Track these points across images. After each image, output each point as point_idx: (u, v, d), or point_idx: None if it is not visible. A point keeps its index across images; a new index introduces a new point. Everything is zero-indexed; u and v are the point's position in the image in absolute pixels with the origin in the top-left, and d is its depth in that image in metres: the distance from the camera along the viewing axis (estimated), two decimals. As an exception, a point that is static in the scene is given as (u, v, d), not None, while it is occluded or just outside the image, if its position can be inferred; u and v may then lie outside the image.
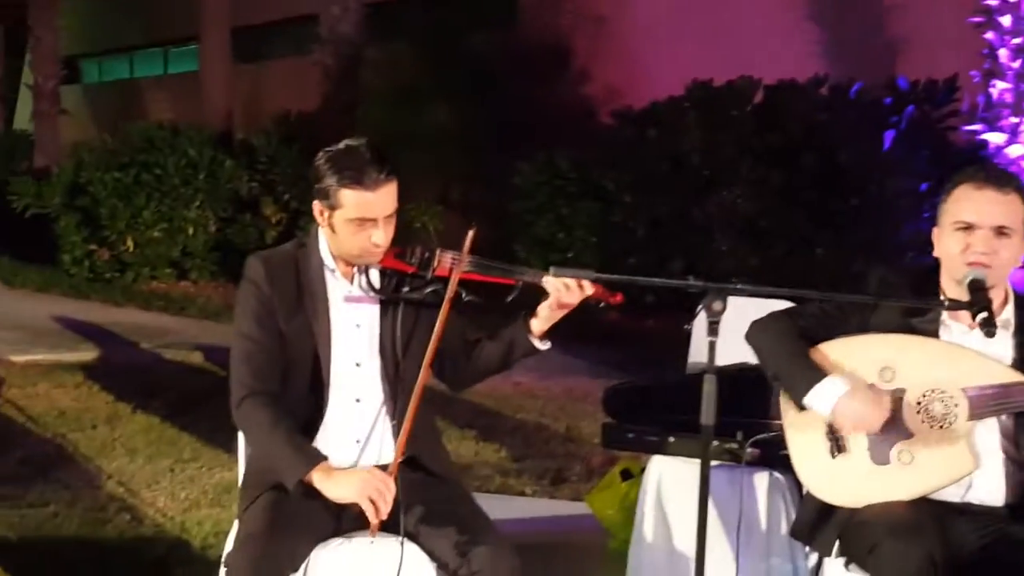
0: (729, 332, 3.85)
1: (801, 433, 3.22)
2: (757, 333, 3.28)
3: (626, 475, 4.81)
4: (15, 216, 12.36)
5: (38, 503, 5.29)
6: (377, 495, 2.96)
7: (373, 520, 2.96)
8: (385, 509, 2.96)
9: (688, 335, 4.42)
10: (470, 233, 3.16)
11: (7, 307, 10.49)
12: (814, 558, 3.99)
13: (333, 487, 3.00)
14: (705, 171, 10.14)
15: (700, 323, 4.39)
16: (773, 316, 3.30)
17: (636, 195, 10.33)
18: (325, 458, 3.04)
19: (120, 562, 4.66)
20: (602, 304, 3.29)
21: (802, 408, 3.17)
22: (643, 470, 4.78)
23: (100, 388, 7.49)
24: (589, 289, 3.16)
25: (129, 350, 8.87)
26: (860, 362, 3.15)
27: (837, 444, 3.15)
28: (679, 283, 2.89)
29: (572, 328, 3.28)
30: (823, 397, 3.10)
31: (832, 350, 3.20)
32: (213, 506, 5.33)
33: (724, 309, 2.77)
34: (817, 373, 3.12)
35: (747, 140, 10.04)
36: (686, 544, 4.00)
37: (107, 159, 12.24)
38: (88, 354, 8.61)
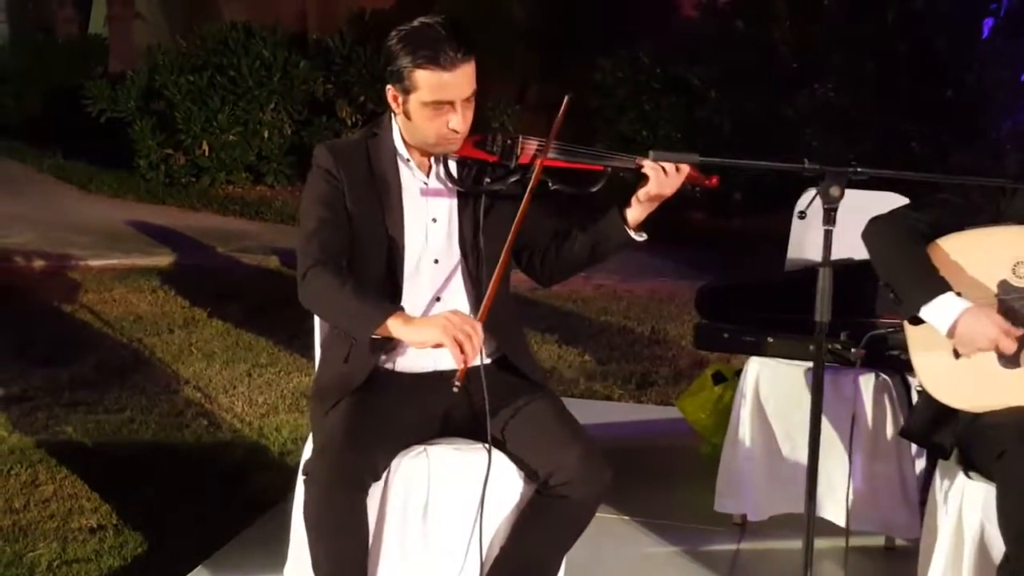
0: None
1: (922, 331, 2.96)
2: (873, 234, 3.00)
3: (718, 378, 4.60)
4: (91, 121, 12.26)
5: (114, 408, 5.21)
6: (463, 336, 2.68)
7: (460, 364, 2.68)
8: (472, 352, 2.68)
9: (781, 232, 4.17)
10: (565, 100, 2.92)
11: (83, 212, 10.43)
12: (921, 463, 3.79)
13: (413, 332, 2.74)
14: (795, 63, 9.74)
15: (799, 216, 4.15)
16: (893, 215, 3.02)
17: (722, 90, 9.95)
18: (401, 308, 2.82)
19: (197, 468, 4.56)
20: (698, 189, 3.05)
21: (916, 322, 2.91)
22: (737, 373, 4.58)
23: (176, 293, 7.39)
24: (683, 173, 2.92)
25: (205, 254, 8.76)
26: (990, 257, 2.88)
27: (962, 342, 2.89)
28: (794, 166, 2.62)
29: (655, 227, 3.04)
30: (940, 313, 2.83)
31: (957, 245, 2.93)
32: (291, 411, 5.21)
33: (842, 195, 2.51)
34: (935, 286, 2.85)
35: (839, 30, 9.60)
36: (787, 448, 3.81)
37: (181, 62, 12.05)
38: (164, 259, 8.52)
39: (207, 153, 11.67)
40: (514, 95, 12.08)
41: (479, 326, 2.73)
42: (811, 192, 3.99)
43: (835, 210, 2.54)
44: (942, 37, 9.60)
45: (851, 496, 3.53)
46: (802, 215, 2.60)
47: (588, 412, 4.97)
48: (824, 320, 2.64)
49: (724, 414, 4.39)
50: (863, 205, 3.18)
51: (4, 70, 16.32)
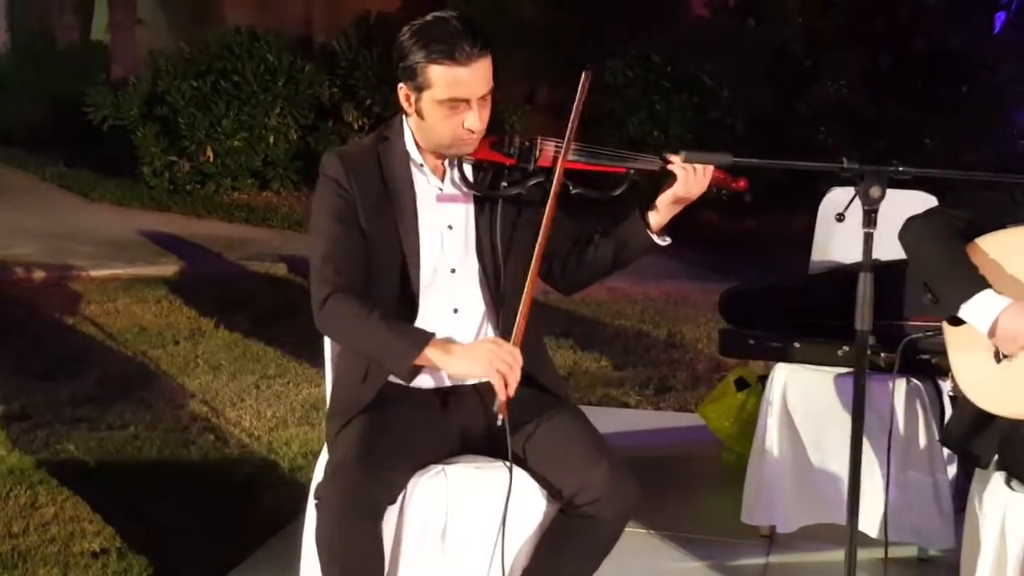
0: (854, 226, 3.47)
1: (961, 334, 2.81)
2: (910, 233, 2.86)
3: (741, 384, 4.47)
4: (93, 128, 12.15)
5: (117, 425, 5.07)
6: (506, 368, 2.58)
7: (502, 396, 2.59)
8: (514, 383, 2.59)
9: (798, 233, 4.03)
10: (584, 75, 2.77)
11: (86, 221, 10.32)
12: (952, 469, 3.64)
13: (455, 362, 2.65)
14: (808, 61, 9.60)
15: (823, 217, 4.01)
16: (929, 213, 2.88)
17: (735, 89, 9.81)
18: (433, 334, 2.69)
19: (204, 486, 4.40)
20: (724, 191, 2.92)
21: (956, 322, 2.76)
22: (760, 378, 4.43)
23: (182, 302, 7.26)
24: (710, 174, 2.78)
25: (211, 263, 8.63)
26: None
27: (1003, 345, 2.74)
28: (831, 166, 2.46)
29: (669, 230, 2.90)
30: (980, 312, 2.68)
31: (997, 243, 2.78)
32: (301, 424, 5.06)
33: (883, 195, 2.36)
34: (974, 283, 2.71)
35: (852, 27, 9.47)
36: (816, 457, 3.66)
37: (184, 67, 11.95)
38: (169, 268, 8.38)
39: (212, 159, 11.55)
40: (523, 96, 11.95)
41: (519, 354, 2.62)
42: (836, 191, 3.92)
43: (876, 212, 2.39)
44: (955, 33, 9.47)
45: (888, 506, 3.39)
46: (840, 217, 2.44)
47: (606, 420, 4.81)
48: (865, 329, 2.48)
49: (748, 421, 4.25)
50: (890, 204, 3.03)
51: (5, 78, 16.25)
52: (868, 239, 2.41)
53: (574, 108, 2.80)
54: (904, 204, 3.19)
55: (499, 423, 2.62)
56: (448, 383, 2.84)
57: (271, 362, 6.00)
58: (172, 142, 11.56)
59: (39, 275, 8.14)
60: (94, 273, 8.21)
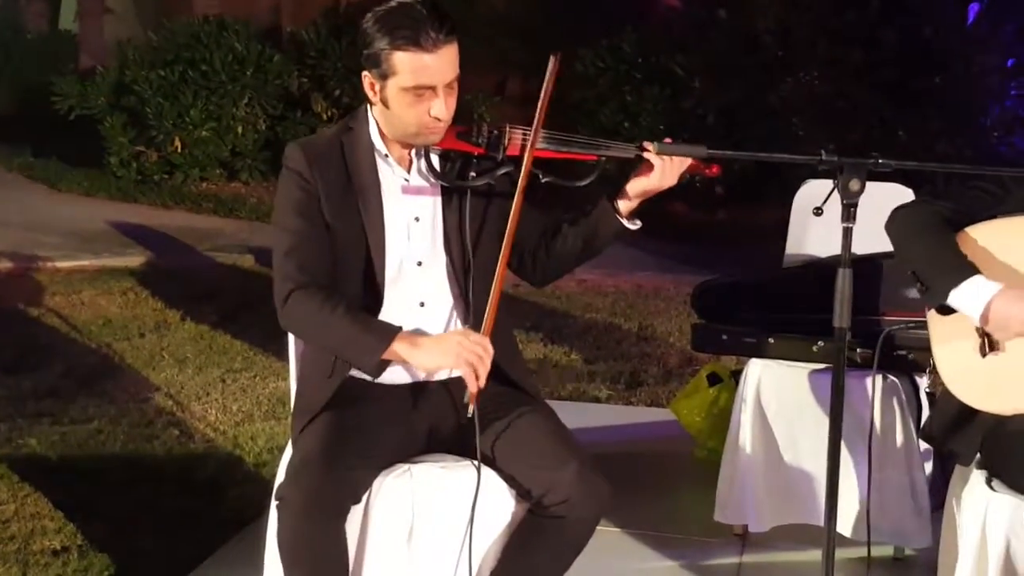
0: (830, 219, 3.43)
1: (947, 326, 2.75)
2: (897, 222, 2.80)
3: (713, 379, 4.42)
4: (61, 118, 12.00)
5: (81, 419, 4.97)
6: (476, 358, 2.53)
7: (472, 388, 2.53)
8: (485, 374, 2.54)
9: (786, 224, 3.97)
10: (552, 60, 2.71)
11: (53, 212, 10.18)
12: (929, 466, 3.59)
13: (423, 355, 2.60)
14: (779, 52, 9.55)
15: (798, 210, 3.95)
16: (916, 203, 2.82)
17: (706, 80, 9.75)
18: (400, 328, 2.63)
19: (168, 482, 4.32)
20: (698, 178, 2.85)
21: (945, 311, 2.70)
22: (732, 374, 4.39)
23: (148, 294, 7.15)
24: (686, 162, 2.72)
25: (178, 254, 8.52)
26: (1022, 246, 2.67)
27: (989, 341, 2.68)
28: (810, 158, 2.40)
29: (636, 213, 2.84)
30: (971, 298, 2.62)
31: (986, 232, 2.72)
32: (267, 419, 4.98)
33: (863, 189, 2.30)
34: (963, 269, 2.64)
35: (824, 18, 9.41)
36: (790, 455, 3.61)
37: (152, 56, 11.80)
38: (136, 259, 8.27)
39: (179, 150, 11.42)
40: (493, 86, 11.87)
41: (489, 345, 2.56)
42: (811, 183, 3.87)
43: (855, 206, 2.33)
44: (928, 24, 9.44)
45: (866, 505, 3.34)
46: (819, 211, 2.38)
47: (577, 415, 4.77)
48: (844, 326, 2.42)
49: (720, 417, 4.20)
50: (866, 197, 2.98)
51: (-29, 68, 16.09)
52: (847, 234, 2.36)
53: (542, 94, 2.73)
54: (880, 197, 3.13)
55: (469, 415, 2.56)
56: (420, 377, 2.77)
57: (237, 355, 5.91)
58: (140, 132, 11.42)
59: (4, 265, 8.00)
60: (60, 264, 8.10)
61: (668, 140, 2.71)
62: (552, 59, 2.72)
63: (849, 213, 2.34)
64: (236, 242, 8.91)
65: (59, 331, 6.40)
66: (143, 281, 7.50)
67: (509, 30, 11.84)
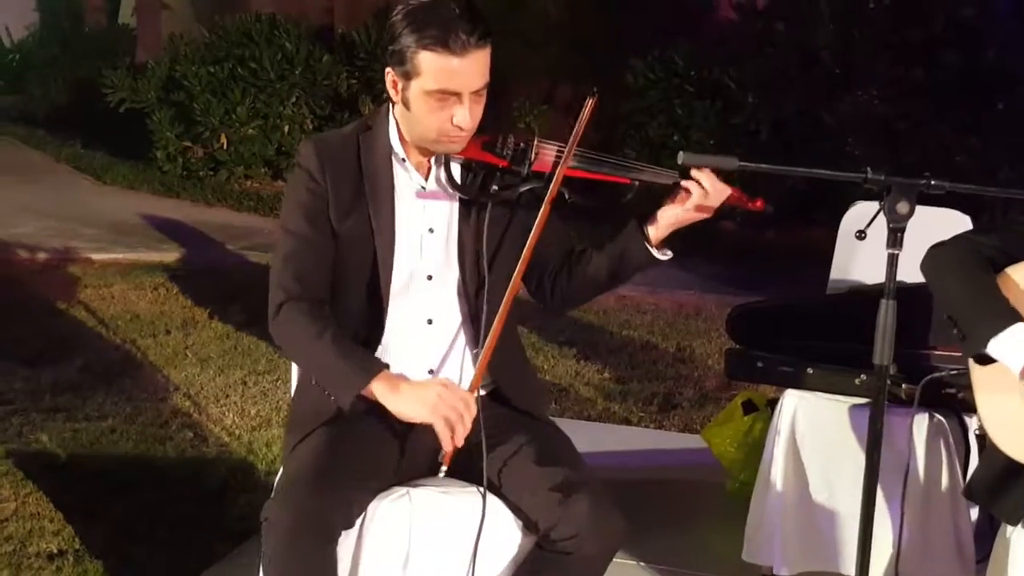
0: (880, 244, 3.21)
1: (989, 374, 2.53)
2: (933, 261, 2.58)
3: (748, 407, 4.19)
4: (111, 111, 11.97)
5: (95, 416, 4.84)
6: (455, 415, 2.36)
7: (447, 446, 2.36)
8: (462, 434, 2.36)
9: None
10: (589, 102, 2.53)
11: (95, 204, 10.11)
12: (975, 512, 3.36)
13: (400, 401, 2.41)
14: (837, 69, 9.26)
15: (845, 233, 3.73)
16: (955, 240, 2.59)
17: (760, 95, 9.47)
18: (386, 366, 2.46)
19: (174, 486, 4.18)
20: (738, 212, 2.67)
21: (984, 360, 2.48)
22: (769, 403, 4.17)
23: (179, 291, 7.02)
24: (725, 193, 2.51)
25: (214, 251, 8.39)
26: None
27: (1037, 392, 2.46)
28: (853, 175, 2.19)
29: (683, 238, 2.65)
30: (1012, 347, 2.40)
31: (1029, 274, 2.51)
32: (284, 424, 4.81)
33: (912, 212, 2.09)
34: (1005, 315, 2.42)
35: (885, 35, 9.12)
36: (824, 495, 3.37)
37: (203, 53, 11.75)
38: (170, 254, 8.15)
39: (225, 147, 11.34)
40: (542, 95, 11.68)
41: (472, 402, 2.39)
42: (861, 205, 3.64)
43: (902, 230, 2.11)
44: (992, 46, 9.14)
45: (901, 552, 3.13)
46: (861, 235, 2.16)
47: (605, 437, 4.58)
48: (884, 363, 2.20)
49: (754, 448, 3.99)
50: (918, 223, 2.76)
51: (31, 59, 16.15)
52: (892, 261, 2.13)
53: (576, 130, 2.57)
54: (934, 224, 2.92)
55: (441, 475, 2.41)
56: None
57: (262, 357, 5.75)
58: (187, 128, 11.36)
59: (40, 256, 7.93)
60: (95, 256, 7.99)
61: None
62: (589, 100, 2.56)
63: (896, 238, 2.12)
64: (272, 241, 8.77)
65: (85, 325, 6.29)
66: (175, 277, 7.37)
67: (559, 37, 11.64)
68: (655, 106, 9.99)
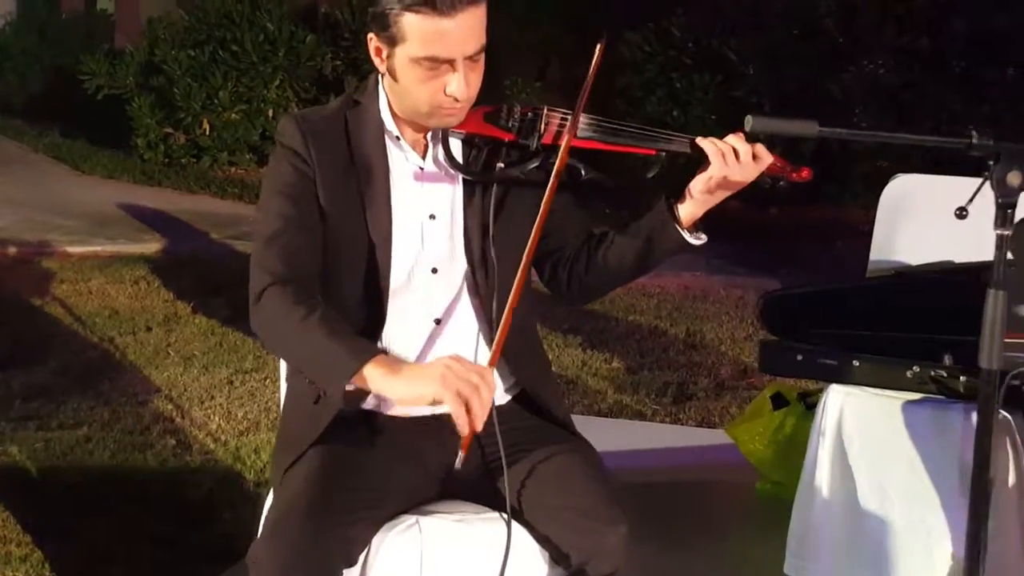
0: (923, 221, 2.86)
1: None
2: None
3: (779, 401, 3.86)
4: (90, 98, 11.61)
5: (70, 423, 4.50)
6: (468, 387, 1.95)
7: (464, 429, 1.97)
8: (482, 413, 1.96)
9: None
10: (599, 46, 2.20)
11: (74, 194, 9.76)
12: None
13: (401, 383, 2.01)
14: (841, 39, 8.97)
15: (887, 209, 3.40)
16: None
17: (761, 66, 9.18)
18: (382, 350, 2.11)
19: (155, 502, 3.83)
20: (781, 183, 2.34)
21: None
22: (800, 396, 3.85)
23: (160, 284, 6.67)
24: (767, 160, 2.19)
25: (197, 241, 8.04)
26: None
27: None
28: (956, 141, 1.84)
29: (700, 224, 2.34)
30: None
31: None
32: (274, 428, 4.45)
33: (1024, 184, 1.74)
34: None
35: (890, 3, 8.84)
36: (875, 502, 3.02)
37: (183, 36, 11.40)
38: (151, 245, 7.80)
39: (208, 132, 10.99)
40: (536, 71, 11.33)
41: (490, 374, 1.99)
42: (903, 178, 3.31)
43: (1013, 206, 1.77)
44: (1001, 12, 8.84)
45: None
46: (962, 213, 1.81)
47: (619, 434, 4.23)
48: (993, 368, 1.86)
49: (788, 446, 3.67)
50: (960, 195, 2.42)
51: (7, 47, 15.81)
52: (1001, 244, 1.78)
53: (587, 79, 2.25)
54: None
55: (457, 467, 2.03)
56: (427, 412, 2.23)
57: (248, 353, 5.41)
58: (168, 114, 11.00)
59: (13, 250, 7.57)
60: (71, 249, 7.65)
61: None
62: (600, 44, 2.25)
63: (1005, 216, 1.77)
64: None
65: (61, 323, 5.94)
66: (157, 269, 7.02)
67: (552, 11, 11.29)
68: (653, 80, 9.68)
